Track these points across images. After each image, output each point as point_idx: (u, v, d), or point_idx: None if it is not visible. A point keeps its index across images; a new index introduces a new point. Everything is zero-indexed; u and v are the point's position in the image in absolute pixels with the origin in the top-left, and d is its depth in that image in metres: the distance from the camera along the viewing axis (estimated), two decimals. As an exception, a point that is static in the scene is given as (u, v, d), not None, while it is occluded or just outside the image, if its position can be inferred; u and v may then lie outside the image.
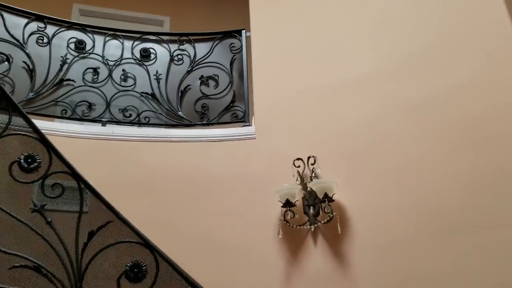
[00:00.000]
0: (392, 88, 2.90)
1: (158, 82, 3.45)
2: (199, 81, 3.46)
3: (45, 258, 1.66)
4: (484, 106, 2.61)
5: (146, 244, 1.73)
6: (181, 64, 3.54)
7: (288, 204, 2.68)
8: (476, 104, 2.63)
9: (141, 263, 1.69)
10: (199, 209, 2.86)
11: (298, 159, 2.84)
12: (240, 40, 3.57)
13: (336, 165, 2.81)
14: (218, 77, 3.46)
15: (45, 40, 3.39)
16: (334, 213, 2.63)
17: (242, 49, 3.53)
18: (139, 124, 3.28)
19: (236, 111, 3.33)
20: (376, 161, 2.74)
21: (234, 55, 3.53)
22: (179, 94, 3.40)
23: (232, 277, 2.66)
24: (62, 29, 3.50)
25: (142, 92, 3.40)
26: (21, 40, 3.30)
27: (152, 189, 2.93)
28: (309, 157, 2.83)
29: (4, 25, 3.30)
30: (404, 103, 2.81)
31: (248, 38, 3.55)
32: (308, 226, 2.68)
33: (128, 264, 1.68)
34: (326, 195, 2.62)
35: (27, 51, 3.28)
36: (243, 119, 3.27)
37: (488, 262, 2.28)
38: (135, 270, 1.67)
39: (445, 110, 2.70)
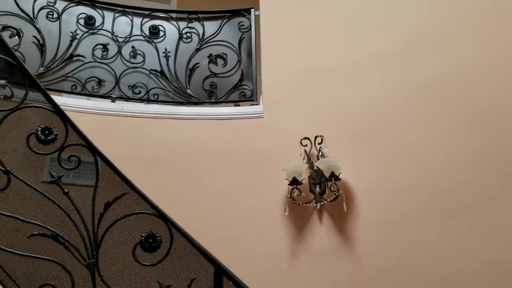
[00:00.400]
0: (400, 68, 2.93)
1: (167, 60, 3.46)
2: (208, 60, 3.48)
3: (62, 227, 1.71)
4: (489, 88, 2.66)
5: (161, 215, 1.77)
6: (190, 42, 3.55)
7: (294, 182, 2.73)
8: (481, 86, 2.68)
9: (156, 234, 1.75)
10: (207, 185, 2.91)
11: (305, 138, 2.88)
12: (249, 19, 3.57)
13: (343, 144, 2.85)
14: (226, 55, 3.48)
15: (55, 15, 3.39)
16: (340, 192, 2.68)
17: (251, 28, 3.54)
18: (148, 101, 3.31)
19: (244, 90, 3.35)
20: (383, 141, 2.78)
21: (242, 34, 3.54)
22: (188, 72, 3.42)
23: (240, 250, 2.72)
24: (72, 4, 3.50)
25: (151, 69, 3.42)
26: (31, 15, 3.31)
27: (160, 164, 2.98)
28: (316, 136, 2.87)
29: (15, -1, 3.31)
30: (411, 83, 2.85)
31: (257, 17, 3.56)
32: (314, 204, 2.74)
33: (143, 235, 1.73)
34: (332, 174, 2.67)
35: (37, 26, 3.29)
36: (251, 97, 3.30)
37: (489, 241, 2.34)
38: (150, 240, 1.72)
39: (451, 91, 2.74)
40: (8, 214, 1.65)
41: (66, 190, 1.77)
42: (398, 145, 2.74)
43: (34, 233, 1.67)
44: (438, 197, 2.54)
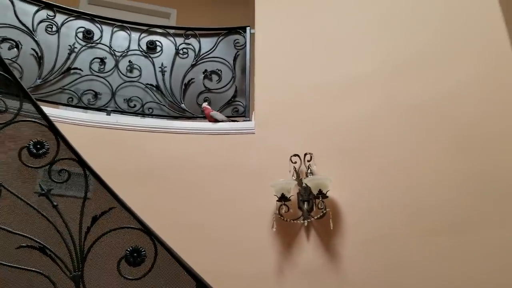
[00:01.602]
0: (389, 87, 3.00)
1: (163, 75, 3.53)
2: (203, 75, 3.55)
3: (50, 239, 1.75)
4: (476, 110, 2.72)
5: (146, 230, 1.82)
6: (186, 57, 3.63)
7: (283, 198, 2.77)
8: (471, 105, 2.75)
9: (141, 249, 1.79)
10: (197, 199, 2.96)
11: (295, 155, 2.93)
12: (244, 37, 3.66)
13: (332, 161, 2.90)
14: (221, 72, 3.55)
15: (54, 28, 3.47)
16: (327, 209, 2.72)
17: (246, 46, 3.62)
18: (143, 114, 3.38)
19: (237, 105, 3.42)
20: (370, 158, 2.84)
21: (237, 51, 3.62)
22: (183, 87, 3.49)
23: (226, 266, 2.75)
24: (71, 18, 3.58)
25: (147, 84, 3.49)
26: (30, 27, 3.39)
27: (153, 177, 3.03)
28: (305, 154, 2.92)
29: (14, 11, 3.38)
30: (400, 103, 2.91)
31: (252, 35, 3.63)
32: (302, 221, 2.78)
33: (128, 249, 1.78)
34: (320, 192, 2.71)
35: (36, 39, 3.37)
36: (244, 113, 3.37)
37: (472, 260, 2.39)
38: (135, 254, 1.77)
39: (440, 110, 2.81)
40: (-3, 225, 1.70)
41: (55, 203, 1.81)
42: (385, 163, 2.80)
43: (22, 244, 1.71)
44: (424, 215, 2.58)
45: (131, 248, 1.78)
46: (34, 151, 1.87)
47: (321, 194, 2.71)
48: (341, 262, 2.66)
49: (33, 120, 1.92)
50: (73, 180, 1.92)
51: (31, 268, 1.70)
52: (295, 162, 2.93)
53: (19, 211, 1.76)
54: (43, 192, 1.82)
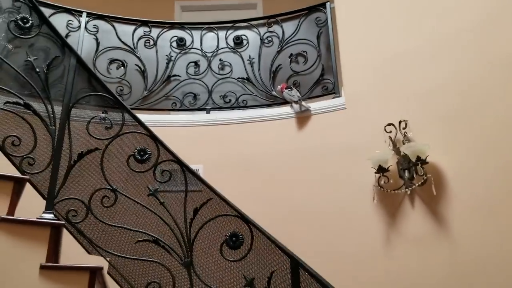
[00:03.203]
0: (483, 41, 2.75)
1: (252, 66, 3.68)
2: (289, 59, 3.62)
3: (161, 233, 2.00)
4: None
5: (241, 217, 1.98)
6: (271, 45, 3.73)
7: (381, 169, 2.75)
8: None
9: (239, 233, 1.96)
10: (297, 180, 3.07)
11: (389, 124, 2.88)
12: (325, 13, 3.63)
13: (428, 126, 2.79)
14: (306, 53, 3.59)
15: (151, 42, 3.82)
16: (428, 175, 2.63)
17: (327, 22, 3.59)
18: (238, 107, 3.57)
19: (326, 83, 3.43)
20: (470, 119, 2.66)
21: (320, 29, 3.61)
22: (272, 74, 3.61)
23: (333, 243, 2.83)
24: (165, 30, 3.90)
25: (238, 78, 3.68)
26: (131, 46, 3.78)
27: (254, 165, 3.21)
28: (400, 122, 2.85)
29: (116, 34, 3.80)
30: (497, 57, 2.65)
31: (332, 10, 3.60)
32: (404, 190, 2.73)
33: (227, 234, 1.95)
34: (419, 158, 2.64)
35: (137, 55, 3.75)
36: (333, 90, 3.37)
37: None
38: (234, 238, 1.94)
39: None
40: (117, 225, 1.99)
41: (162, 201, 2.06)
42: (487, 122, 2.59)
43: (139, 239, 1.98)
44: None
45: (230, 233, 1.95)
46: (139, 157, 2.12)
47: (420, 161, 2.63)
48: (450, 229, 2.56)
49: (136, 131, 2.18)
50: (175, 178, 2.16)
51: (149, 259, 1.96)
52: (390, 132, 2.87)
53: (132, 211, 2.03)
54: (151, 192, 2.07)
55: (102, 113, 2.21)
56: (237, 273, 1.90)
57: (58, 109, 2.12)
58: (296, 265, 1.83)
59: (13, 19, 2.19)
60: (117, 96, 2.25)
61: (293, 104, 3.33)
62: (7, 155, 1.97)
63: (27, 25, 2.21)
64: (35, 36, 2.22)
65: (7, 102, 2.04)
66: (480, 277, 2.39)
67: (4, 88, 2.06)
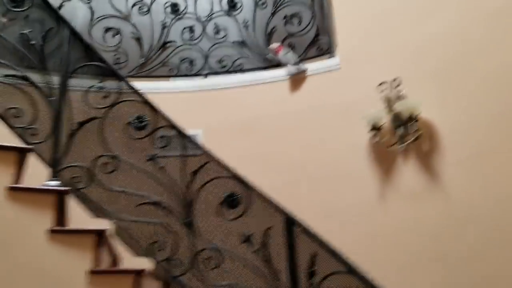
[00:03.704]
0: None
1: (247, 29, 3.69)
2: (284, 21, 3.61)
3: (162, 195, 2.10)
4: None
5: (237, 177, 2.07)
6: (265, 7, 3.71)
7: (375, 128, 2.81)
8: None
9: (235, 194, 2.05)
10: (294, 140, 3.14)
11: (383, 82, 2.91)
12: (319, -29, 3.60)
13: (422, 83, 2.83)
14: (300, 13, 3.57)
15: (145, 9, 3.80)
16: (420, 131, 2.70)
17: (321, -20, 3.57)
18: (235, 71, 3.60)
19: (321, 44, 3.44)
20: (461, 74, 2.70)
21: (314, -12, 3.59)
22: (267, 37, 3.61)
23: (331, 199, 2.93)
24: (158, -6, 3.88)
25: (234, 41, 3.69)
26: (125, 13, 3.77)
27: (252, 127, 3.28)
28: (394, 79, 2.88)
29: (110, 2, 3.77)
30: (484, 9, 2.66)
31: (326, -32, 3.56)
32: (398, 146, 2.80)
33: (225, 195, 2.05)
34: (412, 115, 2.69)
35: (132, 22, 3.75)
36: (328, 51, 3.38)
37: None
38: (230, 198, 2.04)
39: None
40: (119, 189, 2.09)
41: (161, 165, 2.15)
42: (477, 77, 2.64)
43: (140, 202, 2.08)
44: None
45: (227, 194, 2.05)
46: (137, 124, 2.20)
47: (413, 118, 2.69)
48: (442, 182, 2.65)
49: (132, 99, 2.24)
50: (173, 143, 2.23)
51: (153, 220, 2.07)
52: (384, 90, 2.91)
53: (134, 176, 2.13)
54: (150, 157, 2.15)
55: (99, 82, 2.27)
56: (237, 229, 2.01)
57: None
58: (290, 221, 1.92)
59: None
60: (114, 65, 2.31)
61: (289, 66, 3.36)
62: (11, 127, 2.05)
63: (20, -4, 2.24)
64: (28, 9, 2.25)
65: (6, 75, 2.10)
66: (470, 225, 2.50)
67: (2, 61, 2.11)
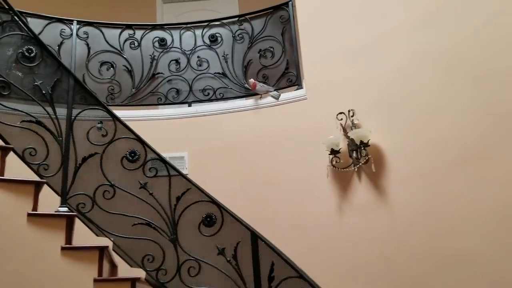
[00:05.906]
0: (417, 40, 3.26)
1: (226, 61, 4.18)
2: (258, 54, 4.11)
3: (152, 217, 2.58)
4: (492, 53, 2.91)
5: (213, 202, 2.55)
6: (242, 42, 4.21)
7: (333, 152, 3.31)
8: (484, 51, 2.93)
9: (212, 214, 2.53)
10: (268, 162, 3.63)
11: (340, 113, 3.41)
12: (288, 11, 4.10)
13: (371, 114, 3.33)
14: (273, 48, 4.08)
15: (136, 44, 4.28)
16: (369, 156, 3.20)
17: (290, 19, 4.06)
18: (216, 99, 4.09)
19: (290, 76, 3.95)
20: (404, 107, 3.22)
21: (284, 26, 4.09)
22: (244, 69, 4.11)
23: (297, 211, 3.42)
24: (147, 31, 4.35)
25: (215, 73, 4.18)
26: (119, 48, 4.24)
27: (232, 149, 3.76)
28: (349, 110, 3.39)
29: (105, 38, 4.25)
30: (428, 54, 3.19)
31: (295, 8, 4.05)
32: (353, 168, 3.30)
33: (203, 215, 2.53)
34: (362, 142, 3.20)
35: (124, 56, 4.22)
36: (296, 82, 3.89)
37: (496, 186, 2.72)
38: (208, 219, 2.52)
39: (459, 58, 3.04)
40: (117, 213, 2.56)
41: (151, 192, 2.62)
42: (419, 109, 3.15)
43: (135, 223, 2.56)
44: (453, 149, 2.94)
45: (205, 215, 2.53)
46: (130, 158, 2.67)
47: (363, 144, 3.19)
48: (389, 197, 3.16)
49: (125, 137, 2.71)
50: (161, 171, 2.71)
51: (145, 237, 2.55)
52: (341, 119, 3.41)
53: (129, 200, 2.60)
54: (142, 185, 2.63)
55: (99, 123, 2.74)
56: (212, 244, 2.48)
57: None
58: (255, 236, 2.41)
59: (20, 51, 2.70)
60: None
61: (264, 95, 3.86)
62: (27, 164, 2.52)
63: (32, 54, 2.71)
64: (38, 64, 2.72)
65: (23, 121, 2.58)
66: (410, 234, 3.01)
67: (20, 110, 2.58)
